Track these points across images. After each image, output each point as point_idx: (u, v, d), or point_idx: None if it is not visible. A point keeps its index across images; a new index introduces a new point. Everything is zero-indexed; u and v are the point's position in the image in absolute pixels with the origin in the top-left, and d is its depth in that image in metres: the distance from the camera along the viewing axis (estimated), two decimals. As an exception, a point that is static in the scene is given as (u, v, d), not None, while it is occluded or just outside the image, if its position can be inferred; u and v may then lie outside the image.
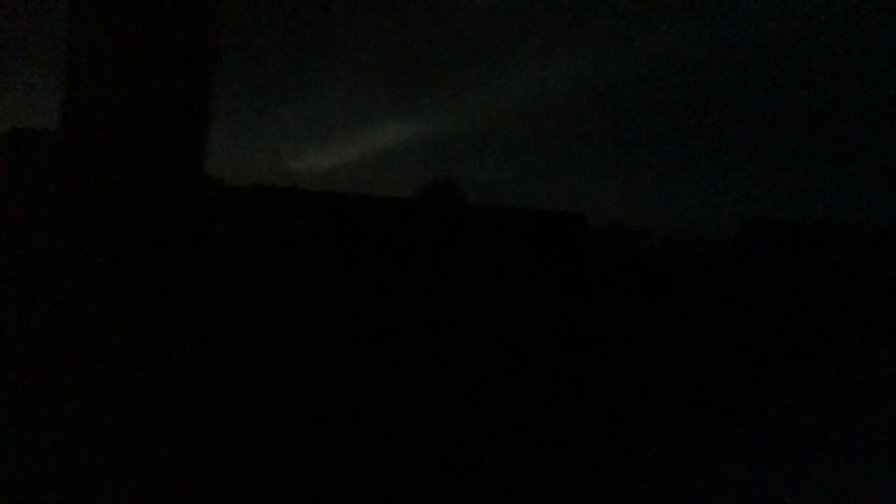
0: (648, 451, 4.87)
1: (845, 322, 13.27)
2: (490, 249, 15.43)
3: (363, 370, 8.61)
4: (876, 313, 13.13)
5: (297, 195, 16.93)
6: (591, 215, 15.85)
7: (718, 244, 14.74)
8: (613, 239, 15.18)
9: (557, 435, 4.84)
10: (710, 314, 13.69)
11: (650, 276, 14.39)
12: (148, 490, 2.19)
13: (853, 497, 3.89)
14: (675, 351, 13.57)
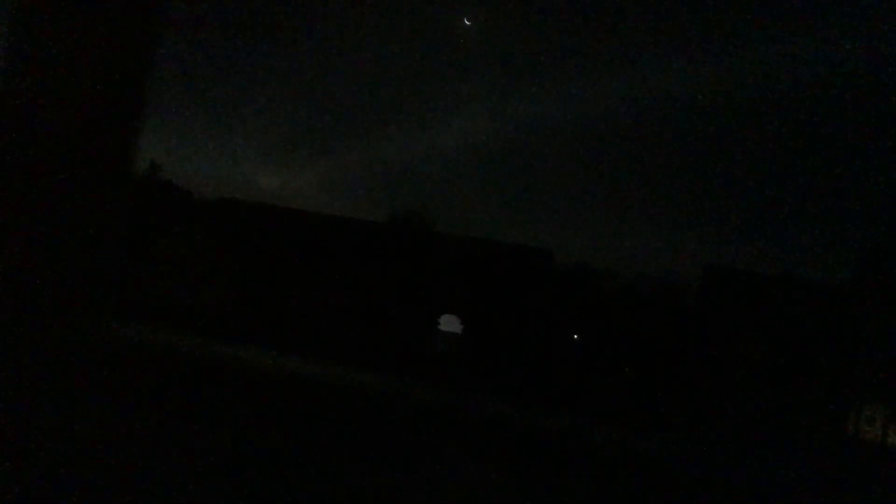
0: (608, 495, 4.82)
1: (802, 373, 13.46)
2: (457, 279, 15.37)
3: (323, 390, 8.44)
4: (831, 368, 13.35)
5: (265, 210, 16.73)
6: (559, 253, 15.91)
7: (682, 289, 14.88)
8: (580, 277, 15.24)
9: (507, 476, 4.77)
10: (670, 356, 13.78)
11: (614, 315, 14.45)
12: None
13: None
14: (633, 389, 13.60)
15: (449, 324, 16.54)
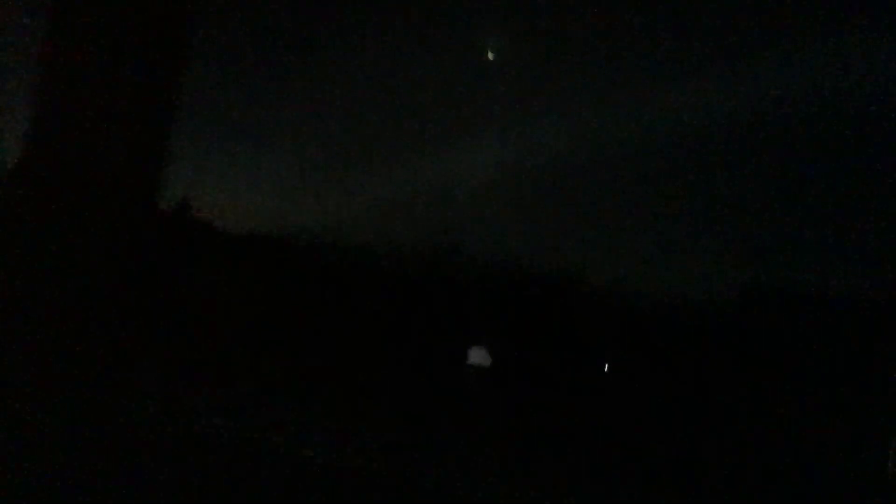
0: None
1: (843, 395, 13.00)
2: (485, 309, 15.25)
3: (349, 431, 8.32)
4: (872, 387, 12.89)
5: (292, 244, 16.82)
6: (589, 275, 15.74)
7: (718, 310, 14.60)
8: (611, 299, 15.04)
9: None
10: (707, 379, 13.45)
11: (647, 338, 14.21)
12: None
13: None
14: (671, 416, 13.28)
15: (477, 356, 16.31)
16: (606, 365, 14.30)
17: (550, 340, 14.65)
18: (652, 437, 12.80)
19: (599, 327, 14.46)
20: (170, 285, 14.86)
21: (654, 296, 16.23)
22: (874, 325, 13.26)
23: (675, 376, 13.69)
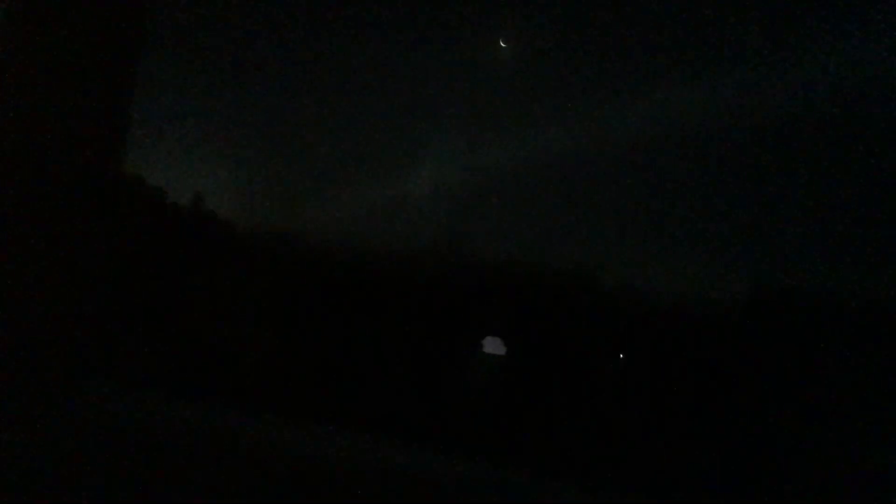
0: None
1: (853, 397, 12.80)
2: (499, 302, 15.18)
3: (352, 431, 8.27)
4: (885, 390, 12.68)
5: (303, 242, 16.77)
6: (600, 274, 15.58)
7: (730, 309, 14.44)
8: (623, 299, 14.92)
9: None
10: (718, 380, 13.31)
11: (659, 337, 14.09)
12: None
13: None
14: (681, 418, 13.14)
15: (492, 346, 16.25)
16: (621, 355, 14.20)
17: (562, 334, 14.57)
18: (656, 436, 12.65)
19: (611, 321, 14.35)
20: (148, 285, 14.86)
21: (666, 293, 16.04)
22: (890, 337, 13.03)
23: (685, 375, 13.56)
